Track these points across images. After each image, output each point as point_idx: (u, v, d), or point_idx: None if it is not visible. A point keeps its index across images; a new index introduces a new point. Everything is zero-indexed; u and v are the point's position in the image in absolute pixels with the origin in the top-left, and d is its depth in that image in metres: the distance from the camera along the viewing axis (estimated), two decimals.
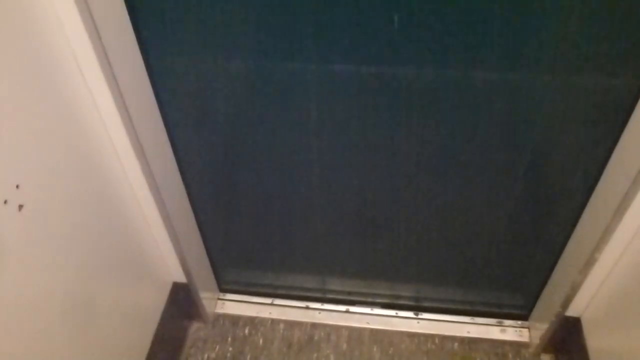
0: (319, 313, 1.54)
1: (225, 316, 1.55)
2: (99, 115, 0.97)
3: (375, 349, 1.45)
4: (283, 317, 1.53)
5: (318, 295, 1.54)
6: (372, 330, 1.49)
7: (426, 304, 1.50)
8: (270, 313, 1.54)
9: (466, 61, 0.92)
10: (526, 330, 1.46)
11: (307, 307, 1.55)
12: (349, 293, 1.52)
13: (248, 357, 1.45)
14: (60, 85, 0.86)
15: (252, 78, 1.01)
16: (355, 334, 1.49)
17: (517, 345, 1.44)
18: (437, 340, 1.46)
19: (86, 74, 0.90)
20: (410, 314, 1.51)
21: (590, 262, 1.09)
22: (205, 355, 1.46)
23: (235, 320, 1.54)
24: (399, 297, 1.50)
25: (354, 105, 1.02)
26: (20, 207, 0.78)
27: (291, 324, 1.52)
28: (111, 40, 0.87)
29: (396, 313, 1.52)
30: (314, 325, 1.51)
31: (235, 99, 1.05)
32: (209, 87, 1.03)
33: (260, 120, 1.08)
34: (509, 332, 1.46)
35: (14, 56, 0.75)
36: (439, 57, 0.92)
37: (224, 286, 1.58)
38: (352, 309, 1.53)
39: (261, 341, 1.49)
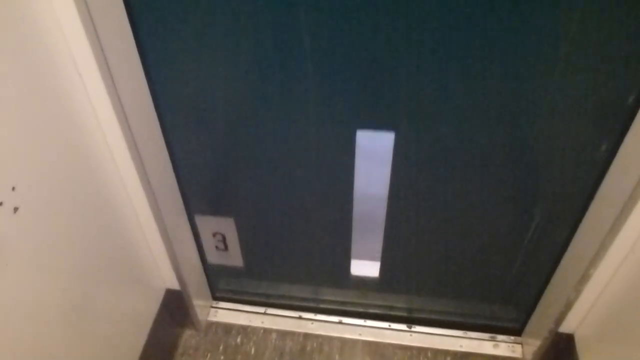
0: (312, 323, 1.53)
1: (217, 324, 1.54)
2: (96, 119, 0.97)
3: None
4: (275, 327, 1.53)
5: (311, 305, 1.53)
6: (364, 342, 1.49)
7: (419, 317, 1.50)
8: (262, 322, 1.54)
9: (466, 63, 0.92)
10: (519, 345, 1.46)
11: (300, 317, 1.54)
12: (343, 303, 1.51)
13: None
14: (57, 88, 0.86)
15: (250, 81, 1.01)
16: (348, 345, 1.48)
17: None
18: (429, 354, 1.46)
19: (84, 77, 0.90)
20: (403, 326, 1.51)
21: (584, 279, 1.09)
22: None
23: (227, 328, 1.53)
24: (392, 308, 1.49)
25: (351, 105, 1.02)
26: (16, 209, 0.77)
27: (283, 334, 1.51)
28: (110, 43, 0.87)
29: (389, 325, 1.51)
30: (307, 336, 1.51)
31: (234, 103, 1.05)
32: (206, 91, 1.03)
33: (256, 127, 1.08)
34: (502, 347, 1.46)
35: (11, 58, 0.75)
36: (439, 56, 0.92)
37: (217, 294, 1.58)
38: (345, 320, 1.53)
39: (253, 350, 1.48)
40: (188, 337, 1.51)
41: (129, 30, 0.92)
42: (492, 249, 1.25)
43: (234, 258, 1.42)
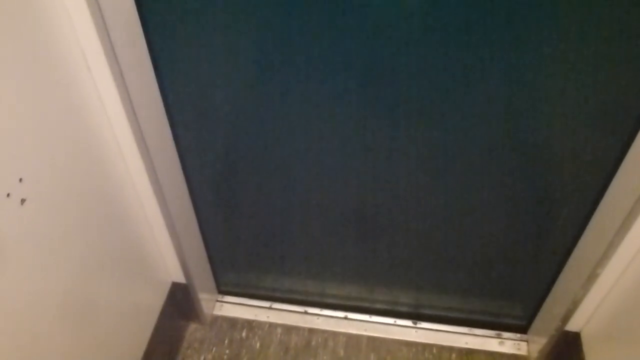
0: (317, 318, 1.53)
1: (223, 318, 1.55)
2: (104, 112, 0.97)
3: (372, 356, 1.45)
4: (281, 322, 1.53)
5: (317, 300, 1.53)
6: (369, 337, 1.49)
7: (425, 313, 1.49)
8: (268, 317, 1.54)
9: (469, 65, 0.91)
10: (525, 343, 1.45)
11: (306, 312, 1.54)
12: (348, 298, 1.51)
13: None
14: (67, 81, 0.86)
15: (256, 80, 1.01)
16: (353, 340, 1.48)
17: (515, 359, 1.43)
18: (434, 350, 1.46)
19: (93, 70, 0.90)
20: (408, 322, 1.50)
21: (592, 277, 1.09)
22: (202, 357, 1.45)
23: (232, 322, 1.53)
24: (397, 304, 1.49)
25: (353, 106, 1.02)
26: (23, 200, 0.78)
27: (289, 329, 1.51)
28: (119, 37, 0.87)
29: (394, 321, 1.51)
30: (312, 331, 1.51)
31: (240, 101, 1.05)
32: (214, 88, 1.03)
33: (262, 124, 1.08)
34: (508, 344, 1.46)
35: (21, 50, 0.75)
36: (441, 60, 0.92)
37: (223, 288, 1.58)
38: (351, 315, 1.53)
39: (258, 345, 1.48)
40: (193, 330, 1.52)
41: (139, 24, 0.91)
42: (499, 245, 1.25)
43: None
